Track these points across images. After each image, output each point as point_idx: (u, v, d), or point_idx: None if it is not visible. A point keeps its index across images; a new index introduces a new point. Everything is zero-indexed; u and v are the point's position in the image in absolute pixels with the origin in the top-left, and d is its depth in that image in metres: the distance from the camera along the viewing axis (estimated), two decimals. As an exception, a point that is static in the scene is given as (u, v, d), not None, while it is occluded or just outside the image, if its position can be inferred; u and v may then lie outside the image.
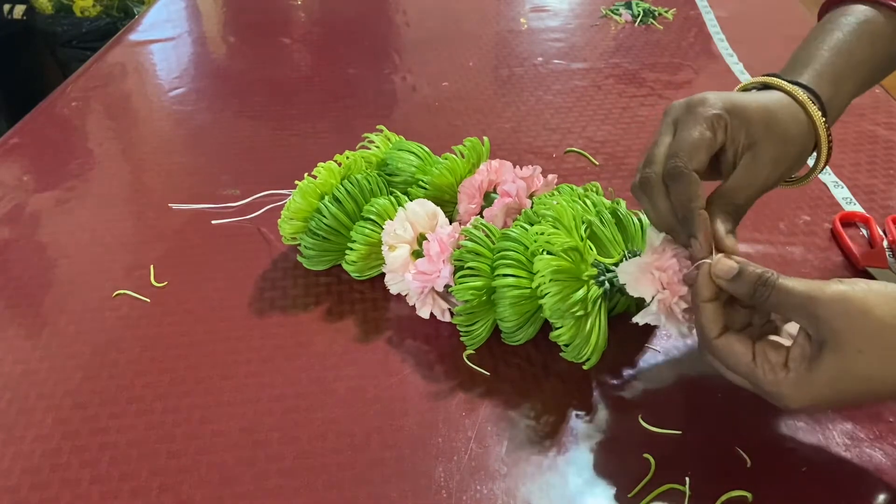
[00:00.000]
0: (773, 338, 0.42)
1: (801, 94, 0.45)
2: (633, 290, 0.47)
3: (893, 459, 0.45)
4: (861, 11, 0.50)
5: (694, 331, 0.46)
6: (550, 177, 0.61)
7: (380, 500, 0.44)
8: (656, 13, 1.14)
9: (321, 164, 0.60)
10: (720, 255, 0.43)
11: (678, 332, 0.47)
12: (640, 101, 0.89)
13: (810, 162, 0.49)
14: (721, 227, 0.44)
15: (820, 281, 0.38)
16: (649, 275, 0.46)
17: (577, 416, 0.49)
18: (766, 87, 0.48)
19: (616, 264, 0.50)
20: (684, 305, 0.46)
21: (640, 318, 0.48)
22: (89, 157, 0.81)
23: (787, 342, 0.41)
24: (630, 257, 0.50)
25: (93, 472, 0.46)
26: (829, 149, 0.47)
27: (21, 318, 0.58)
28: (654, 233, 0.47)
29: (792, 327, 0.43)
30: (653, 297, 0.46)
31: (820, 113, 0.46)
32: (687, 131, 0.43)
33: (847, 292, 0.37)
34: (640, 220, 0.54)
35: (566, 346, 0.49)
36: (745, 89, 0.49)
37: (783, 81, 0.46)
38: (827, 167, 0.74)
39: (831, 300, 0.37)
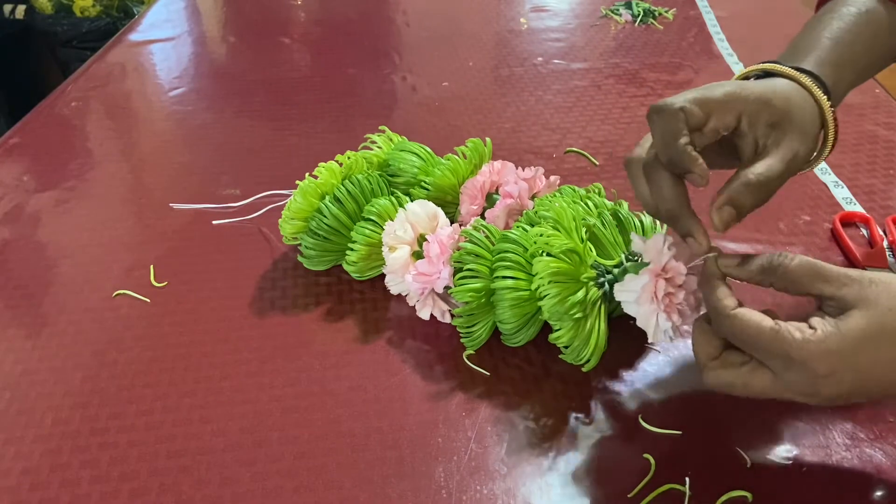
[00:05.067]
0: None
1: (808, 81, 0.45)
2: (631, 310, 0.47)
3: (893, 459, 0.45)
4: (862, 3, 0.50)
5: (667, 335, 0.46)
6: (553, 178, 0.61)
7: (380, 500, 0.44)
8: (656, 13, 1.14)
9: (322, 164, 0.60)
10: (720, 259, 0.42)
11: (647, 323, 0.46)
12: (640, 101, 0.89)
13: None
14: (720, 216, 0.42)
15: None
16: (650, 292, 0.45)
17: (576, 416, 0.49)
18: (767, 73, 0.47)
19: (616, 266, 0.50)
20: (669, 290, 0.45)
21: (619, 290, 0.47)
22: (89, 157, 0.81)
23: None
24: (629, 260, 0.50)
25: (93, 472, 0.46)
26: (836, 134, 0.46)
27: (21, 318, 0.58)
28: (639, 239, 0.46)
29: None
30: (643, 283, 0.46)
31: (826, 98, 0.45)
32: (708, 89, 0.42)
33: (874, 273, 0.38)
34: (641, 221, 0.54)
35: (566, 347, 0.49)
36: (745, 77, 0.48)
37: (788, 68, 0.45)
38: (827, 167, 0.74)
39: (858, 274, 0.38)
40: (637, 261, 0.49)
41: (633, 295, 0.46)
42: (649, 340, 0.46)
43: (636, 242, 0.46)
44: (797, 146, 0.43)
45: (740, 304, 0.41)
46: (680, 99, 0.41)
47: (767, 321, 0.39)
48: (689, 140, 0.41)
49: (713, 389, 0.43)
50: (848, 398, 0.38)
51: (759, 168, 0.42)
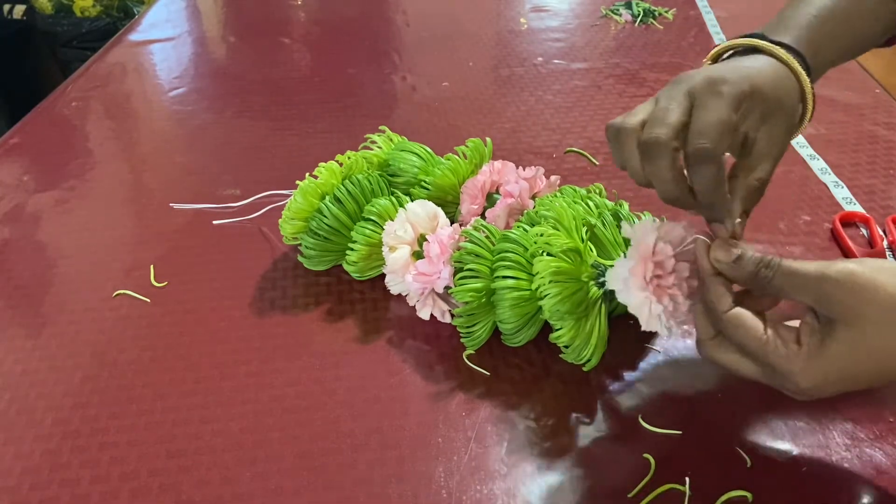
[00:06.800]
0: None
1: (794, 62, 0.45)
2: (624, 298, 0.46)
3: (893, 459, 0.45)
4: None
5: (660, 321, 0.46)
6: (553, 178, 0.61)
7: (380, 501, 0.44)
8: (656, 13, 1.14)
9: (322, 164, 0.60)
10: (717, 240, 0.42)
11: (639, 310, 0.45)
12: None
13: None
14: (737, 207, 0.43)
15: (825, 261, 0.38)
16: (640, 275, 0.45)
17: (576, 416, 0.49)
18: (752, 48, 0.47)
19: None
20: (658, 272, 0.45)
21: (610, 277, 0.47)
22: (89, 157, 0.81)
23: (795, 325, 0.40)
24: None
25: (93, 472, 0.46)
26: (813, 108, 0.47)
27: (21, 318, 0.58)
28: (627, 225, 0.46)
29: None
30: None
31: (807, 76, 0.45)
32: (714, 111, 0.41)
33: (855, 269, 0.37)
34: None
35: (566, 347, 0.49)
36: (731, 48, 0.48)
37: (774, 47, 0.45)
38: (827, 167, 0.74)
39: (841, 277, 0.37)
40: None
41: (622, 278, 0.45)
42: (642, 328, 0.46)
43: (625, 228, 0.46)
44: (785, 136, 0.44)
45: (737, 303, 0.41)
46: (717, 139, 0.40)
47: (758, 329, 0.39)
48: (727, 187, 0.42)
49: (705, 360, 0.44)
50: (829, 396, 0.39)
51: (760, 174, 0.43)
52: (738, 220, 0.43)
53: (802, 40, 0.47)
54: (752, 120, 0.43)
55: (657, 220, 0.45)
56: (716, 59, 0.49)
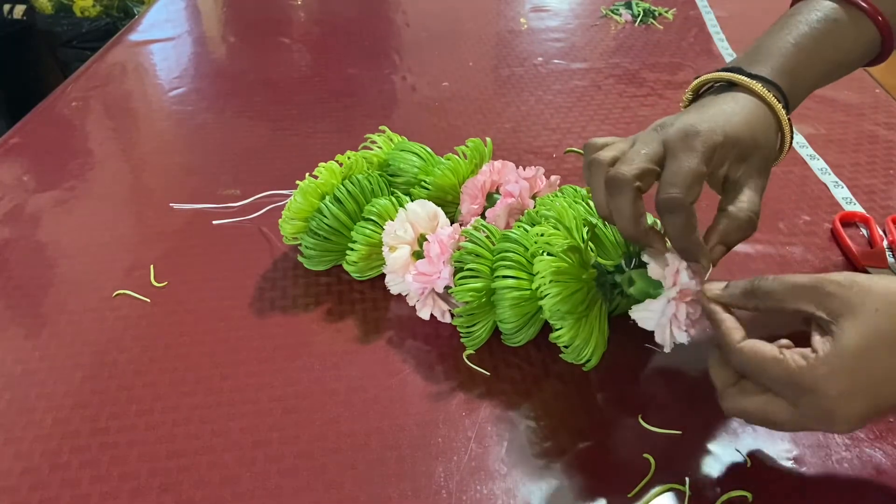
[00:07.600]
0: None
1: (770, 97, 0.46)
2: (648, 326, 0.47)
3: (893, 459, 0.45)
4: (829, 8, 0.50)
5: (681, 338, 0.47)
6: (553, 178, 0.61)
7: (380, 500, 0.44)
8: (656, 13, 1.14)
9: (322, 164, 0.60)
10: (705, 284, 0.44)
11: (664, 338, 0.47)
12: (640, 101, 0.89)
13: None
14: (718, 248, 0.45)
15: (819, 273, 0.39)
16: (670, 315, 0.46)
17: (576, 416, 0.49)
18: (730, 82, 0.48)
19: (617, 267, 0.50)
20: (689, 310, 0.46)
21: (637, 310, 0.47)
22: (89, 157, 0.81)
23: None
24: (631, 261, 0.50)
25: (93, 472, 0.46)
26: (791, 141, 0.48)
27: (21, 318, 0.58)
28: (656, 266, 0.46)
29: None
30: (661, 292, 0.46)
31: (785, 112, 0.46)
32: (684, 162, 0.42)
33: (852, 273, 0.38)
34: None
35: (566, 347, 0.49)
36: (704, 83, 0.49)
37: (751, 82, 0.46)
38: (827, 167, 0.74)
39: (838, 278, 0.38)
40: (642, 266, 0.48)
41: (654, 315, 0.47)
42: (665, 351, 0.47)
43: (653, 269, 0.46)
44: (766, 171, 0.46)
45: (747, 336, 0.41)
46: (686, 189, 0.42)
47: (772, 351, 0.39)
48: (699, 233, 0.44)
49: (730, 416, 0.43)
50: (864, 415, 0.37)
51: (746, 206, 0.44)
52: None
53: (780, 71, 0.47)
54: (728, 164, 0.45)
55: (681, 260, 0.46)
56: (696, 91, 0.50)
